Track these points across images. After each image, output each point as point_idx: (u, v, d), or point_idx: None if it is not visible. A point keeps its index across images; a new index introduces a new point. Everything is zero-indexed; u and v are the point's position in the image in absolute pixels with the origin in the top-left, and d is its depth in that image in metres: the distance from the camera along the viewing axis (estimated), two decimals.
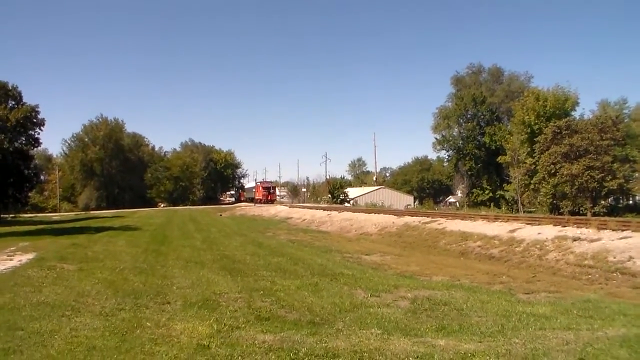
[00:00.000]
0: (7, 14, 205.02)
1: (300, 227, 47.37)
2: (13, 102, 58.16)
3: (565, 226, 25.48)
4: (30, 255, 21.20)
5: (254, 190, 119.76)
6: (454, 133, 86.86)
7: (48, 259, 19.42)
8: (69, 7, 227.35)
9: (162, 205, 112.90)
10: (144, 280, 14.38)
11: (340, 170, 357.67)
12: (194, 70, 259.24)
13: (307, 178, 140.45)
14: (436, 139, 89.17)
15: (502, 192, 73.99)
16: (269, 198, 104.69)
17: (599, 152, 45.61)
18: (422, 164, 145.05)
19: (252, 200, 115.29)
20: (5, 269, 17.19)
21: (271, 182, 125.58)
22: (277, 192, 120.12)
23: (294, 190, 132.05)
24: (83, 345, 7.84)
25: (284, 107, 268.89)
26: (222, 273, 16.18)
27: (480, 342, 8.26)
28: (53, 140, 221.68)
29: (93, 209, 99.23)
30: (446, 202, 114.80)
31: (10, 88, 58.17)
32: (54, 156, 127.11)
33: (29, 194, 71.23)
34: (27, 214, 76.97)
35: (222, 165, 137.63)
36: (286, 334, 8.62)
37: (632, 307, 11.73)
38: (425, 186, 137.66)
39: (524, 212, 54.35)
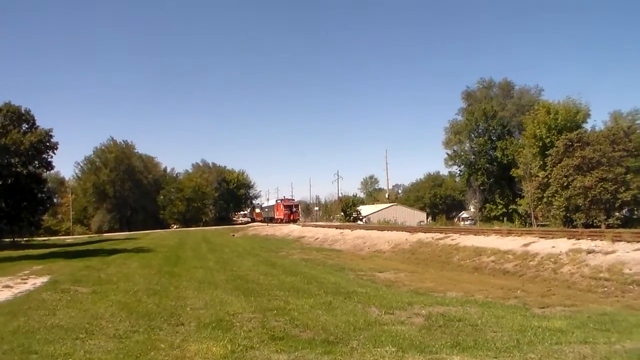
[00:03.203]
0: (17, 40, 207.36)
1: (313, 246, 47.29)
2: (26, 126, 58.75)
3: (579, 239, 25.24)
4: (44, 279, 21.28)
5: (272, 209, 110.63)
6: (466, 148, 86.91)
7: (62, 282, 19.48)
8: (78, 28, 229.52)
9: (175, 227, 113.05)
10: (157, 302, 14.38)
11: (352, 188, 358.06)
12: (205, 91, 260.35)
13: (318, 197, 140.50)
14: (448, 154, 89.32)
15: (515, 207, 73.74)
16: (292, 217, 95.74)
17: (612, 163, 45.44)
18: (434, 180, 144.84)
19: (271, 220, 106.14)
20: (19, 292, 17.27)
21: (292, 199, 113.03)
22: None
23: (306, 209, 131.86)
24: None
25: (295, 126, 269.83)
26: (236, 293, 16.14)
27: (495, 357, 8.21)
28: (65, 163, 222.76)
29: (106, 232, 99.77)
30: (459, 217, 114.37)
31: (24, 112, 58.77)
32: (67, 179, 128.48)
33: (43, 217, 71.74)
34: (40, 237, 77.29)
35: (235, 185, 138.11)
36: (300, 353, 8.60)
37: None
38: (437, 202, 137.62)
39: (537, 225, 54.11)
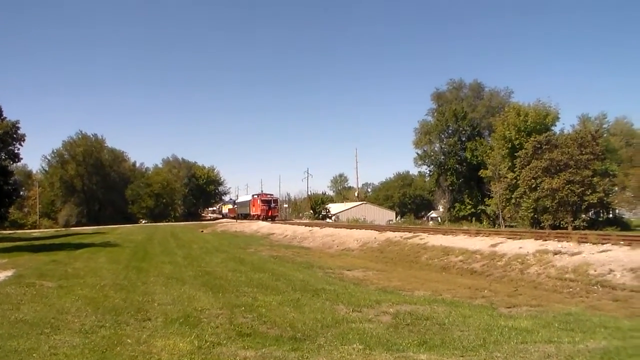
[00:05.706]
0: None
1: (282, 243, 47.20)
2: None
3: (546, 240, 25.57)
4: (9, 272, 20.94)
5: (248, 204, 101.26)
6: (436, 148, 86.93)
7: (27, 276, 19.21)
8: (49, 21, 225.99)
9: (143, 222, 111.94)
10: (124, 297, 14.25)
11: (322, 186, 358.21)
12: (176, 87, 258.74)
13: (288, 194, 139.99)
14: (417, 154, 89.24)
15: (483, 207, 74.24)
16: (270, 214, 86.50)
17: (579, 166, 46.14)
18: (403, 180, 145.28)
19: (246, 216, 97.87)
20: None
21: (271, 194, 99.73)
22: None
23: None
24: None
25: (266, 123, 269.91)
26: (204, 289, 16.07)
27: (462, 356, 8.28)
28: (33, 156, 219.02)
29: (73, 226, 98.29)
30: (428, 217, 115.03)
31: None
32: (34, 172, 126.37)
33: (9, 210, 70.46)
34: (6, 230, 76.11)
35: (204, 181, 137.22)
36: (268, 350, 8.59)
37: (613, 320, 11.82)
38: (407, 201, 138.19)
39: (505, 226, 54.64)
